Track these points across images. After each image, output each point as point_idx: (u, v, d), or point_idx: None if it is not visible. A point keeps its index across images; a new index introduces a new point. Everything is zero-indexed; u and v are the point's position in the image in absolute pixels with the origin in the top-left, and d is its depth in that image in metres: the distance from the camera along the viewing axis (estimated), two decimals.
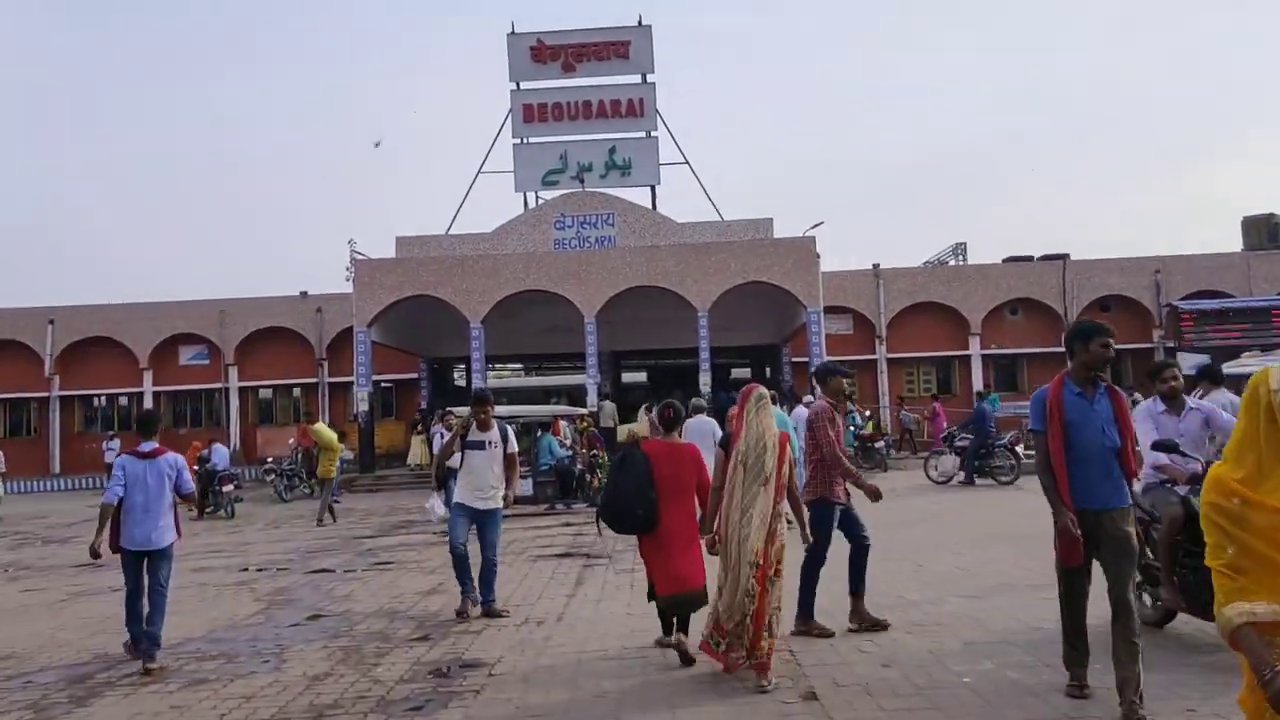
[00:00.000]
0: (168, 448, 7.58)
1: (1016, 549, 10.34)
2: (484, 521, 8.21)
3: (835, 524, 7.07)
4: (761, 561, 5.62)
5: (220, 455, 20.95)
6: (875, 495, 7.15)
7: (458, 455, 8.27)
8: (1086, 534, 4.96)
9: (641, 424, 21.90)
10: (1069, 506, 4.95)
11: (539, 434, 17.18)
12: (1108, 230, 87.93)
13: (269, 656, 7.19)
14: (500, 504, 8.31)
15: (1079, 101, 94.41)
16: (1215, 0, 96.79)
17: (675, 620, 6.41)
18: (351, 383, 27.58)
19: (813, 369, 7.07)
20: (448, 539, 8.44)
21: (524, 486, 16.92)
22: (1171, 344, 30.37)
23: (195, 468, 21.49)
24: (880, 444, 23.05)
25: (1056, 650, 5.49)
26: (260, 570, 11.82)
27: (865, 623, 7.10)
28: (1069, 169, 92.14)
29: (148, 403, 32.77)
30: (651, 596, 6.58)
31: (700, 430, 13.17)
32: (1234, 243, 34.12)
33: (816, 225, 26.64)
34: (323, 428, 19.49)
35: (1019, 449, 18.31)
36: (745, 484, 5.77)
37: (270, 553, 13.79)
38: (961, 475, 18.55)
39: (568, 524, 15.36)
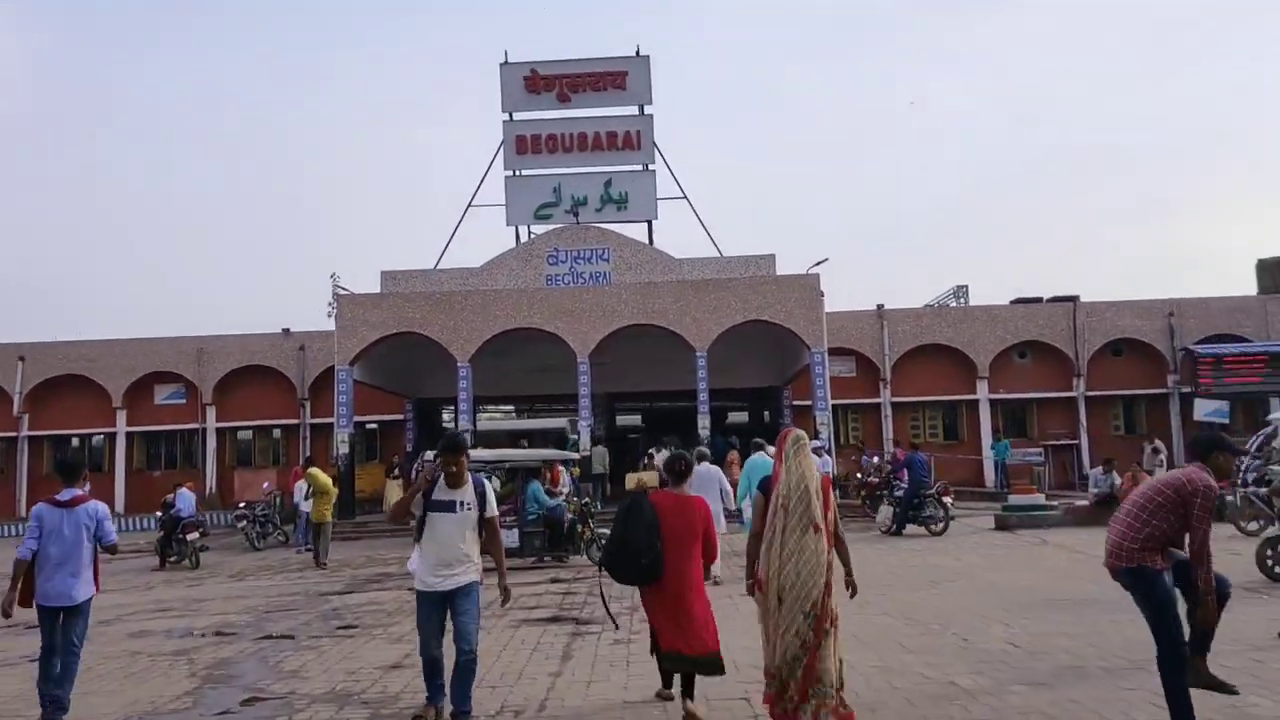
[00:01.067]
0: (93, 495, 7.14)
1: (1074, 618, 9.02)
2: (457, 604, 6.20)
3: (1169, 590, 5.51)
4: (819, 613, 5.41)
5: (185, 501, 19.57)
6: None
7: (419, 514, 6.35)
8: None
9: (651, 474, 20.63)
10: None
11: (527, 480, 15.82)
12: (1115, 274, 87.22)
13: None
14: (476, 577, 6.30)
15: (1079, 147, 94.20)
16: (1228, 46, 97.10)
17: (681, 678, 6.21)
18: (334, 424, 26.18)
19: (1192, 439, 5.69)
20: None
21: (510, 538, 15.57)
22: (1187, 389, 29.22)
23: (160, 513, 20.17)
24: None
25: None
26: (203, 635, 10.42)
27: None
28: (1073, 213, 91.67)
29: (121, 444, 31.39)
30: (654, 649, 6.42)
31: (706, 479, 12.00)
32: (1249, 286, 33.11)
33: (820, 262, 25.55)
34: (318, 471, 18.73)
35: (947, 500, 17.94)
36: (790, 530, 5.51)
37: (226, 611, 12.40)
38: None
39: (556, 579, 13.98)
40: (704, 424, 24.45)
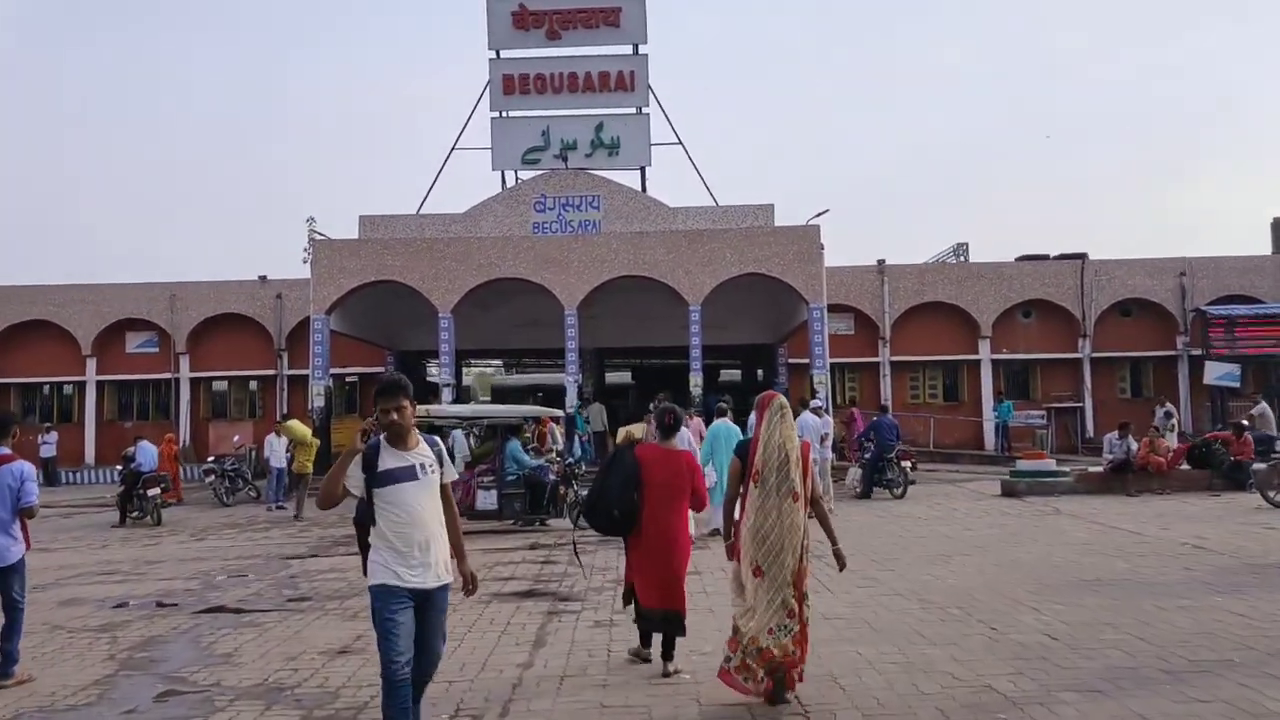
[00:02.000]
0: (18, 454, 6.89)
1: (1113, 603, 7.99)
2: (427, 607, 4.65)
3: None
4: (795, 580, 5.42)
5: (146, 454, 18.44)
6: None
7: (359, 491, 4.66)
8: None
9: (640, 426, 19.66)
10: None
11: (506, 439, 14.73)
12: (1125, 232, 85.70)
13: None
14: (450, 575, 4.77)
15: (1091, 103, 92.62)
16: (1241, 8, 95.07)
17: (662, 638, 6.24)
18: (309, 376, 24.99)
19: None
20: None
21: (487, 500, 14.53)
22: (1197, 351, 28.20)
23: (121, 468, 19.09)
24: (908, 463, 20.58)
25: None
26: (138, 606, 9.34)
27: None
28: (1081, 170, 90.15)
29: (90, 393, 30.22)
30: (629, 600, 6.42)
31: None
32: (1263, 246, 32.01)
33: (821, 213, 24.28)
34: (296, 423, 18.10)
35: (906, 464, 17.85)
36: (769, 498, 5.46)
37: (175, 576, 11.37)
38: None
39: (535, 546, 12.96)
40: (696, 381, 23.38)
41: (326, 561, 12.21)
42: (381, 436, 4.67)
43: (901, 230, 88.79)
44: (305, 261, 24.44)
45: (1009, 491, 17.31)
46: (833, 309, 26.60)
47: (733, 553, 5.66)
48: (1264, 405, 22.15)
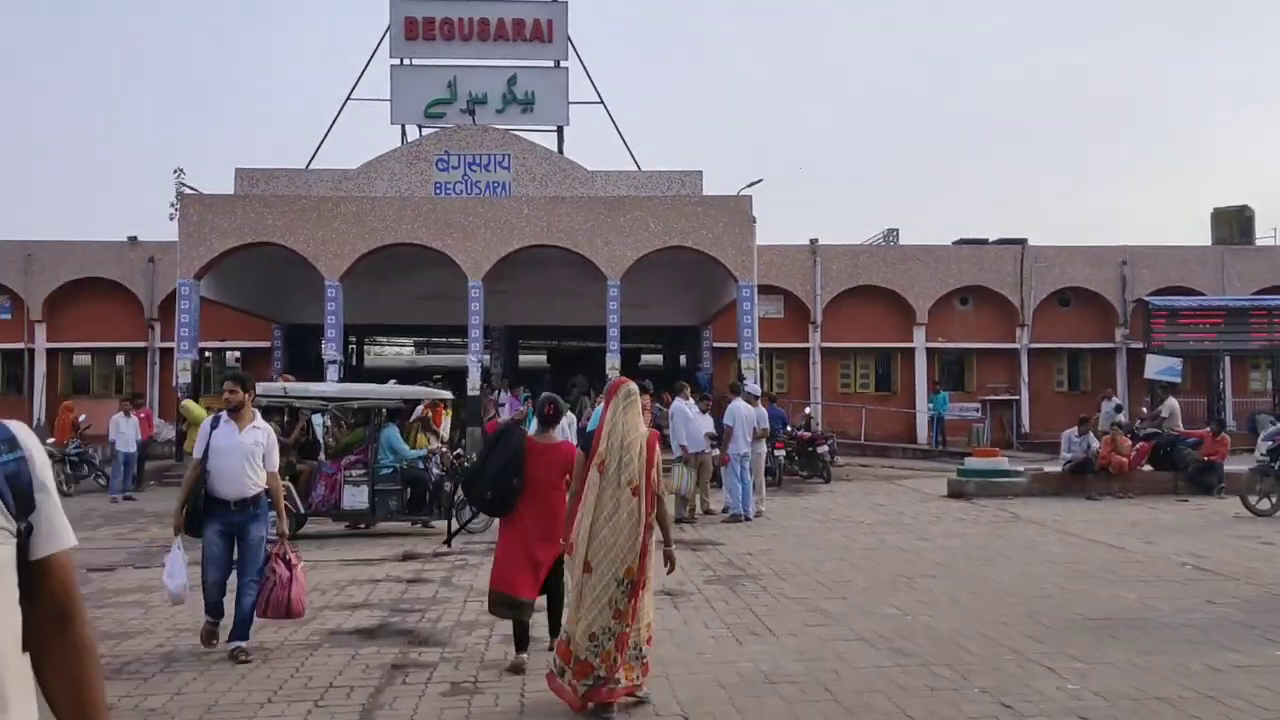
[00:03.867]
0: None
1: (1146, 656, 5.98)
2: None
3: None
4: (636, 579, 5.11)
5: None
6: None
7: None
8: None
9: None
10: None
11: (380, 426, 12.30)
12: (1063, 220, 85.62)
13: None
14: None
15: (1010, 99, 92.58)
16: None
17: (549, 620, 6.20)
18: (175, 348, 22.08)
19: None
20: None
21: (355, 498, 12.10)
22: (1137, 344, 26.95)
23: None
24: (825, 448, 18.74)
25: None
26: None
27: None
28: (1016, 158, 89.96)
29: None
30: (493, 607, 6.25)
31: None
32: (1203, 237, 31.02)
33: (755, 183, 22.17)
34: (193, 404, 16.03)
35: (823, 449, 18.14)
36: (606, 490, 5.22)
37: None
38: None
39: (408, 556, 10.61)
40: (614, 364, 21.15)
41: (138, 576, 9.67)
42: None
43: (830, 214, 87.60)
44: (172, 219, 21.53)
45: (956, 492, 15.52)
46: (761, 290, 24.50)
47: (570, 549, 5.39)
48: (1173, 402, 20.83)
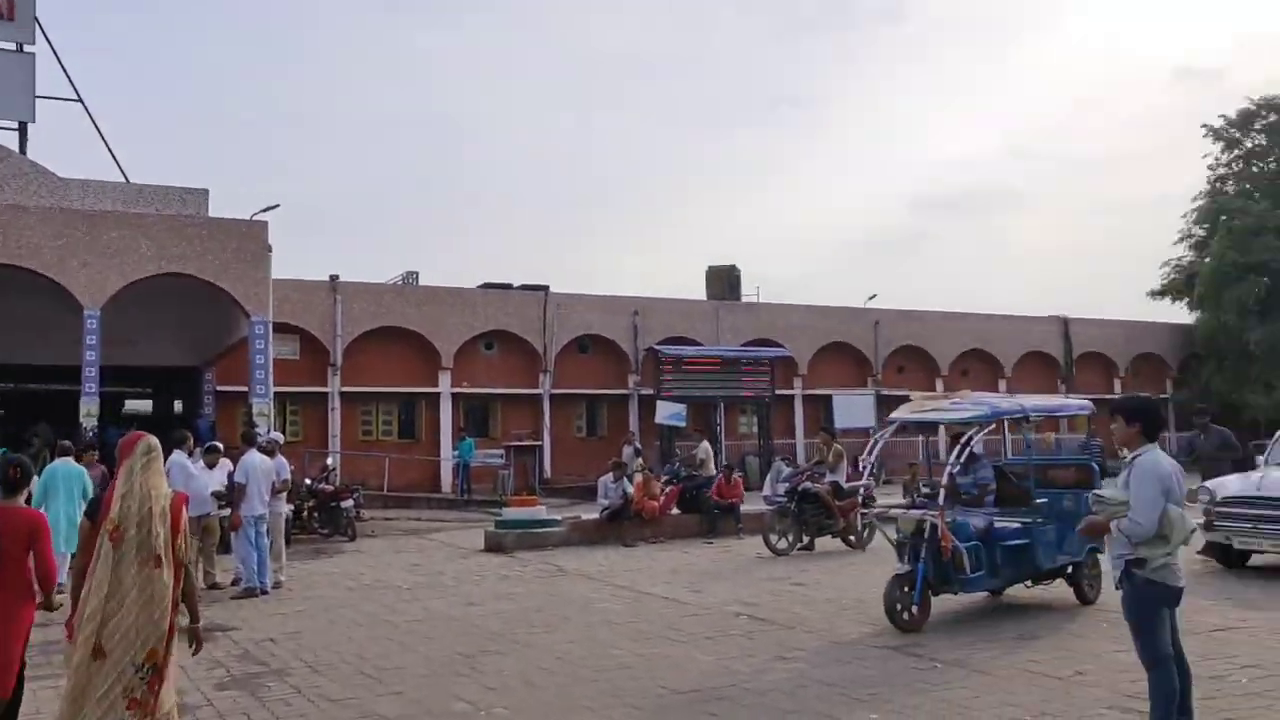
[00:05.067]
0: None
1: None
2: None
3: None
4: (160, 663, 4.52)
5: None
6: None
7: None
8: None
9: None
10: None
11: None
12: (576, 265, 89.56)
13: None
14: None
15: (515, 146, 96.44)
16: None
17: None
18: None
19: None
20: None
21: None
22: (648, 390, 28.53)
23: None
24: (350, 502, 16.98)
25: None
26: None
27: None
28: (530, 213, 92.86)
29: None
30: None
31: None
32: (700, 290, 34.00)
33: (270, 208, 20.22)
34: None
35: (348, 504, 16.77)
36: (123, 562, 4.56)
37: None
38: None
39: None
40: (89, 409, 17.53)
41: None
42: None
43: (349, 250, 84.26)
44: None
45: (495, 545, 14.63)
46: (276, 329, 22.12)
47: (69, 630, 4.71)
48: (706, 444, 22.35)
